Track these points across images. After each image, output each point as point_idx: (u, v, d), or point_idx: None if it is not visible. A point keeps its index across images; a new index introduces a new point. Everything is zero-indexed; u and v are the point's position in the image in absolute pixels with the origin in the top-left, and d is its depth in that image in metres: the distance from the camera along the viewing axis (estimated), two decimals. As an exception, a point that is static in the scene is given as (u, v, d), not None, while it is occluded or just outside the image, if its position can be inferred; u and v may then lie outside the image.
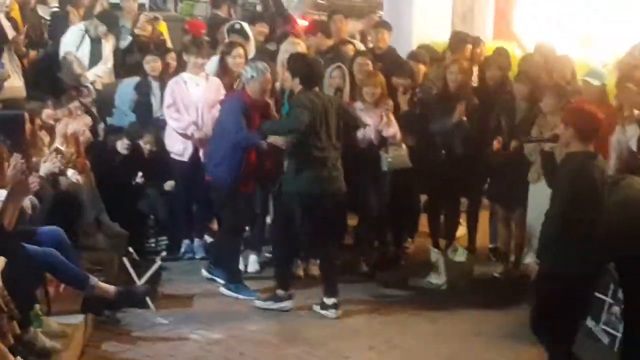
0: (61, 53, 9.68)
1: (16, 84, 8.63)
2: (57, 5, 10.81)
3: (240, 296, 7.85)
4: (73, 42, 9.77)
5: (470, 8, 13.53)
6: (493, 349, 6.88)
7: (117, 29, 10.26)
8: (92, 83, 9.53)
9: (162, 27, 11.16)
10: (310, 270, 8.26)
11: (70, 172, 7.55)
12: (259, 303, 7.52)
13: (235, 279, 7.91)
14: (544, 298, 5.64)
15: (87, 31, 9.80)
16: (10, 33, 8.85)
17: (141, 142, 8.76)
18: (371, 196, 8.11)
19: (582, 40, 11.32)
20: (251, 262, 8.40)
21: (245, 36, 9.42)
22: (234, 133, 7.70)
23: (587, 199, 5.38)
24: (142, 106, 9.11)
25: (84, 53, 9.76)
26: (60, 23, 10.41)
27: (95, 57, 9.83)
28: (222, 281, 7.98)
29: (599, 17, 11.98)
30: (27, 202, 6.71)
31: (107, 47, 9.91)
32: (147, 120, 9.04)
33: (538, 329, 5.71)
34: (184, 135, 8.36)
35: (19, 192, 6.27)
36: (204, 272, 8.17)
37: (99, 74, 9.75)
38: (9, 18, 9.15)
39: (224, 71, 8.60)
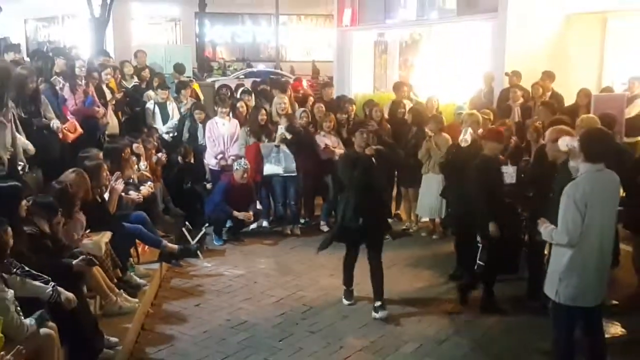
0: (147, 117, 11.34)
1: (114, 126, 10.20)
2: (137, 81, 12.54)
3: (215, 242, 9.38)
4: (152, 108, 11.39)
5: (384, 73, 16.16)
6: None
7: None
8: (167, 133, 11.33)
9: (196, 86, 13.42)
10: (294, 231, 10.00)
11: (146, 185, 8.58)
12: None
13: (216, 231, 9.50)
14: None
15: (155, 102, 11.37)
16: (109, 96, 10.38)
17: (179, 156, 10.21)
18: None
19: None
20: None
21: (250, 94, 11.77)
22: (215, 204, 9.26)
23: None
24: (193, 138, 11.05)
25: (157, 115, 11.40)
26: (138, 92, 12.12)
27: (164, 115, 11.48)
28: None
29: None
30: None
31: (170, 107, 11.42)
32: (196, 146, 10.88)
33: None
34: (215, 157, 10.34)
35: (117, 192, 7.44)
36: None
37: (170, 126, 11.36)
38: (109, 87, 10.73)
39: (235, 114, 10.69)
